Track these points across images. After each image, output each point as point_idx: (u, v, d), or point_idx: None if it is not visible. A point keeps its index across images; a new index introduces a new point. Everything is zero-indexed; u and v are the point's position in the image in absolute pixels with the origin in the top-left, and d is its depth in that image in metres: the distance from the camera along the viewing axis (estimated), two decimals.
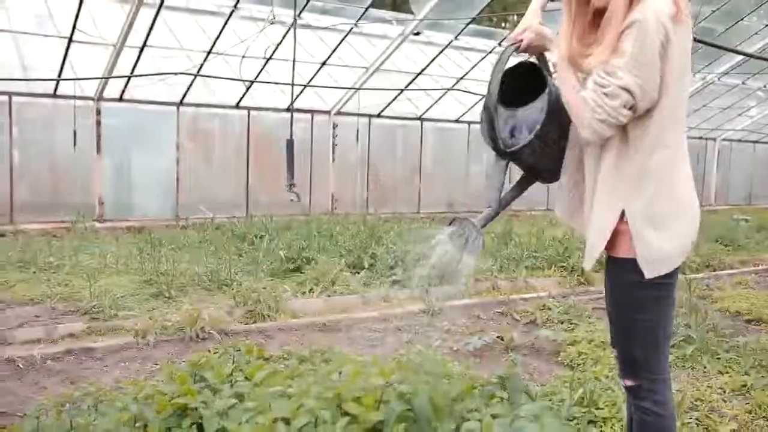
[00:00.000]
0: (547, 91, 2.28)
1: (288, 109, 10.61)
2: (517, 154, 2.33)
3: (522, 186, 2.53)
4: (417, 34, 10.25)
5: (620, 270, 2.20)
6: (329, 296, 6.01)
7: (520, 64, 2.42)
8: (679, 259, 2.18)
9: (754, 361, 4.48)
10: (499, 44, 11.43)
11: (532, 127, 2.29)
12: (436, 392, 2.01)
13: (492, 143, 2.36)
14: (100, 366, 4.23)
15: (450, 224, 2.38)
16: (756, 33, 12.58)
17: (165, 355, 4.43)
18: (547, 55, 2.33)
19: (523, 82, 2.37)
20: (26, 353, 4.30)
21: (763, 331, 5.43)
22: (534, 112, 2.33)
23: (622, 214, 2.15)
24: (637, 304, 2.22)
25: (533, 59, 2.40)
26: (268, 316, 5.27)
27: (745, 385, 4.08)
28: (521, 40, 2.33)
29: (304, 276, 6.50)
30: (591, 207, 2.26)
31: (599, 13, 2.17)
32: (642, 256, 2.13)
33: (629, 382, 2.31)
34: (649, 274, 2.13)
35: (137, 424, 2.05)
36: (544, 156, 2.36)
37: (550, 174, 2.48)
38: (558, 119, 2.29)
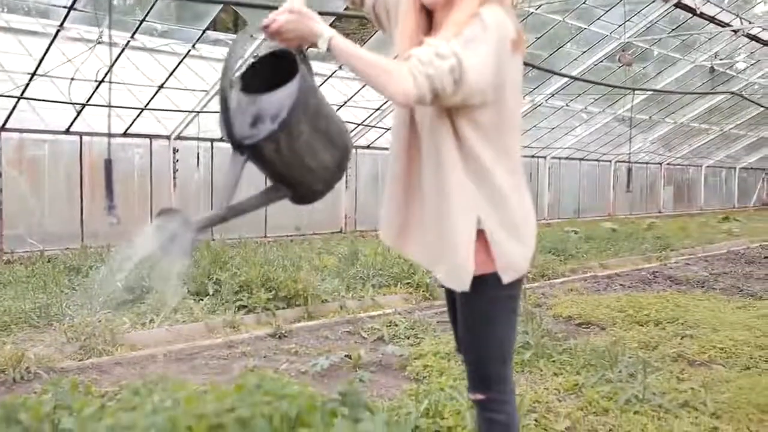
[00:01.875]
0: (298, 77, 1.95)
1: (125, 134, 10.18)
2: (258, 149, 1.96)
3: (268, 196, 2.16)
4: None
5: (478, 286, 2.12)
6: (171, 325, 5.77)
7: (275, 53, 2.09)
8: (527, 266, 2.20)
9: (584, 361, 4.78)
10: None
11: (277, 116, 1.93)
12: (275, 413, 1.97)
13: (227, 133, 1.97)
14: None
15: (158, 215, 1.95)
16: (575, 59, 13.67)
17: None
18: (319, 43, 1.94)
19: (274, 76, 2.03)
20: None
21: (591, 333, 5.82)
22: (281, 99, 1.96)
23: (476, 227, 2.11)
24: (491, 318, 2.23)
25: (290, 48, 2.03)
26: (104, 350, 4.96)
27: (577, 384, 4.34)
28: (274, 21, 1.96)
29: (144, 306, 6.20)
30: (433, 227, 2.17)
31: (428, 14, 2.16)
32: (501, 267, 2.11)
33: (480, 396, 2.30)
34: (506, 281, 2.12)
35: None
36: (295, 161, 2.03)
37: (306, 190, 2.16)
38: (310, 117, 2.00)
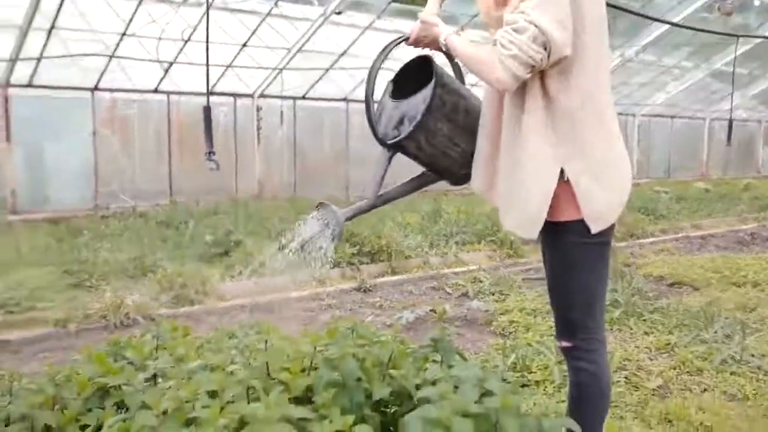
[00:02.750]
0: (432, 82, 2.20)
1: (211, 93, 10.37)
2: (401, 147, 2.26)
3: (418, 182, 2.46)
4: (339, 13, 10.13)
5: (563, 233, 2.16)
6: (259, 278, 5.89)
7: (417, 59, 2.35)
8: (618, 211, 2.18)
9: (677, 321, 4.62)
10: None
11: (414, 118, 2.21)
12: (367, 357, 1.96)
13: (372, 133, 2.30)
14: (15, 359, 4.02)
15: (316, 208, 2.31)
16: (670, 10, 12.98)
17: (87, 344, 4.23)
18: (440, 39, 2.24)
19: (422, 78, 2.28)
20: None
21: (684, 293, 5.62)
22: (417, 103, 2.24)
23: (561, 175, 2.10)
24: (577, 264, 2.21)
25: (427, 52, 2.34)
26: (196, 300, 5.13)
27: (669, 344, 4.21)
28: (411, 32, 2.31)
29: (232, 259, 6.36)
30: (518, 177, 2.16)
31: None
32: (588, 214, 2.11)
33: (566, 343, 2.31)
34: (595, 230, 2.12)
35: (56, 407, 1.92)
36: (435, 152, 2.28)
37: (451, 174, 2.41)
38: (447, 114, 2.23)
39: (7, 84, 8.96)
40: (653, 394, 3.48)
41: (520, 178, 2.15)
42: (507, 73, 1.97)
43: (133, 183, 10.10)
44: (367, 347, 2.05)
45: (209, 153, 2.78)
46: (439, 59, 2.31)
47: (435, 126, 2.22)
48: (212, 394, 1.75)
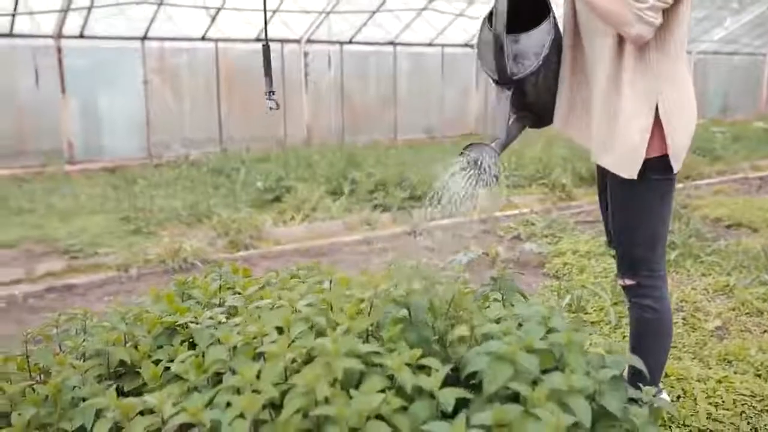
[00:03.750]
0: (551, 15, 2.18)
1: (256, 39, 10.36)
2: (522, 83, 2.21)
3: (522, 123, 2.39)
4: None
5: (643, 170, 2.13)
6: (311, 223, 5.96)
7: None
8: (686, 153, 2.19)
9: (736, 263, 4.54)
10: None
11: (539, 52, 2.17)
12: (430, 294, 1.98)
13: (496, 73, 2.20)
14: (83, 301, 4.17)
15: (466, 149, 2.24)
16: None
17: (148, 286, 4.37)
18: None
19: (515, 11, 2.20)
20: (7, 293, 4.23)
21: (743, 235, 5.49)
22: (540, 37, 2.19)
23: (656, 111, 2.10)
24: (647, 202, 2.22)
25: None
26: (251, 244, 5.22)
27: (727, 285, 4.14)
28: None
29: (283, 205, 6.43)
30: (616, 113, 2.14)
31: None
32: (672, 152, 2.13)
33: (629, 281, 2.33)
34: (676, 168, 2.14)
35: (128, 344, 2.00)
36: (544, 87, 2.27)
37: (545, 112, 2.37)
38: (558, 46, 2.22)
39: (59, 35, 9.08)
40: (712, 335, 3.45)
41: (619, 116, 2.13)
42: (647, 27, 1.99)
43: (183, 131, 10.23)
44: (430, 287, 2.06)
45: (269, 92, 2.74)
46: None
47: (553, 60, 2.21)
48: (279, 331, 1.79)
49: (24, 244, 5.41)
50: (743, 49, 17.47)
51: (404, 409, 1.43)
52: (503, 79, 2.20)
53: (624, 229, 2.30)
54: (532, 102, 2.32)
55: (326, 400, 1.38)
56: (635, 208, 2.23)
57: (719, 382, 2.88)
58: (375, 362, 1.56)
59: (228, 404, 1.46)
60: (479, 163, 2.18)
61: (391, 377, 1.52)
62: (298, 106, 11.19)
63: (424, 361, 1.53)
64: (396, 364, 1.49)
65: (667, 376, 2.91)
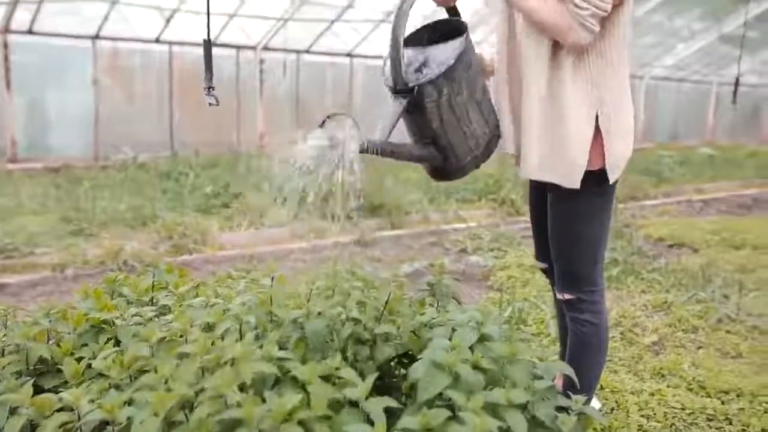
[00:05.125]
0: (465, 33, 2.08)
1: (213, 44, 10.24)
2: (420, 94, 1.99)
3: (419, 153, 2.16)
4: None
5: (584, 180, 2.12)
6: (257, 230, 5.89)
7: (440, 22, 2.21)
8: (625, 163, 2.19)
9: (675, 280, 4.63)
10: None
11: (444, 62, 2.02)
12: (367, 300, 1.96)
13: (390, 79, 2.01)
14: (16, 301, 4.03)
15: (321, 126, 1.95)
16: None
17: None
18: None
19: (442, 37, 2.16)
20: None
21: (683, 254, 5.61)
22: (447, 50, 2.08)
23: (596, 121, 2.09)
24: (588, 216, 2.21)
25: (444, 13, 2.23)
26: (195, 249, 5.13)
27: (665, 302, 4.22)
28: None
29: (231, 211, 6.35)
30: (557, 125, 2.11)
31: None
32: (610, 164, 2.12)
33: (568, 296, 2.32)
34: (613, 179, 2.14)
35: (51, 341, 1.93)
36: (451, 119, 2.06)
37: (454, 159, 2.15)
38: (470, 79, 2.06)
39: (7, 29, 8.83)
40: (648, 350, 3.50)
41: (559, 127, 2.11)
42: (587, 33, 1.99)
43: (133, 134, 10.03)
44: (365, 291, 2.05)
45: (209, 88, 2.67)
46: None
47: (459, 83, 2.02)
48: (208, 328, 1.75)
49: None
50: (692, 76, 17.96)
51: (327, 417, 1.40)
52: (399, 85, 2.00)
53: (564, 242, 2.28)
54: (436, 129, 2.09)
55: (238, 404, 1.34)
56: (575, 221, 2.23)
57: (652, 395, 2.93)
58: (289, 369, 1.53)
59: (147, 402, 1.42)
60: (334, 140, 1.94)
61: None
62: (252, 113, 11.10)
63: (342, 373, 1.50)
64: (308, 376, 1.46)
65: (602, 388, 2.94)
